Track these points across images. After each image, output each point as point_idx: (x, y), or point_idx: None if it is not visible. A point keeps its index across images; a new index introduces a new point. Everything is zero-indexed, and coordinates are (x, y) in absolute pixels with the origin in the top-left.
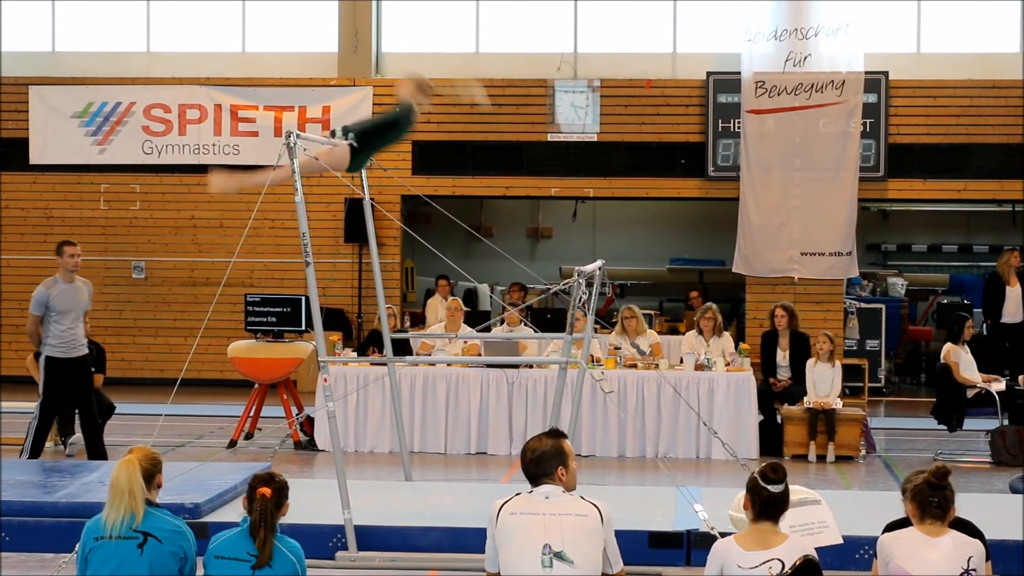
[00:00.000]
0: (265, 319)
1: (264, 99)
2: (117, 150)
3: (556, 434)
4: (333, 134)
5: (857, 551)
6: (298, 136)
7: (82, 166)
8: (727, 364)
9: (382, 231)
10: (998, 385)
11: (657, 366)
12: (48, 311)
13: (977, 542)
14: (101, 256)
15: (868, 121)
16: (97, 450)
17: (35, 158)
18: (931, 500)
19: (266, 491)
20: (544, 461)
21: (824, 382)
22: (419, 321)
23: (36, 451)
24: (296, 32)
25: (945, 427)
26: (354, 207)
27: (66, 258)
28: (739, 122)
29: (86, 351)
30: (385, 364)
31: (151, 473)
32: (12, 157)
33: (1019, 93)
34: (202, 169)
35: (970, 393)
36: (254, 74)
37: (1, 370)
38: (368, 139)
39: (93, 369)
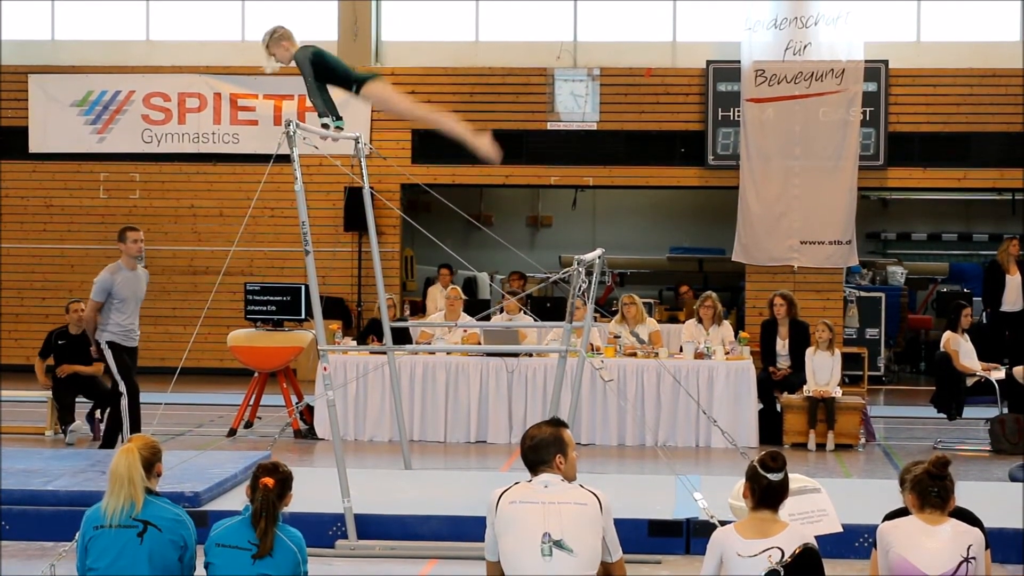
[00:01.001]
0: (265, 308)
1: (264, 88)
2: (117, 139)
3: (556, 423)
4: (325, 127)
5: (857, 539)
6: (297, 125)
7: (82, 155)
8: (727, 353)
9: (382, 220)
10: (997, 373)
11: (657, 355)
12: (110, 298)
13: (977, 531)
14: (100, 245)
15: (868, 110)
16: (113, 437)
17: (35, 147)
18: (931, 490)
19: (269, 481)
20: (542, 448)
21: (824, 371)
22: (419, 310)
23: (136, 429)
24: (296, 21)
25: (945, 415)
26: (354, 196)
27: (129, 244)
28: (739, 111)
29: (137, 344)
30: (385, 353)
31: (151, 462)
32: (12, 146)
33: (1019, 82)
34: (202, 158)
35: (970, 381)
36: (253, 62)
37: (1, 359)
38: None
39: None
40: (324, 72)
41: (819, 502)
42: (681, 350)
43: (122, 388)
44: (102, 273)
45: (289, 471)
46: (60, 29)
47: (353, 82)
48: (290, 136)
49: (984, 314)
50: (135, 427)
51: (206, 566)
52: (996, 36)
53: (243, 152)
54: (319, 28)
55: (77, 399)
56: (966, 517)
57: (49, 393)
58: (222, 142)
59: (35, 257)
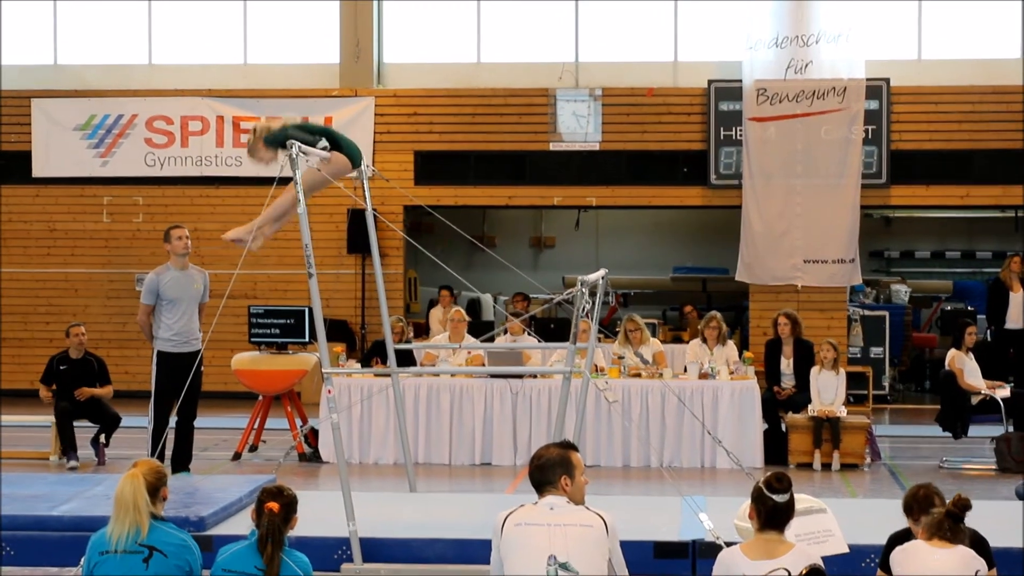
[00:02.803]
0: (269, 331)
1: (266, 110)
2: (119, 162)
3: (566, 445)
4: (326, 148)
5: (863, 559)
6: (300, 148)
7: (85, 179)
8: (731, 373)
9: (385, 242)
10: (1002, 391)
11: (661, 375)
12: (159, 300)
13: (982, 560)
14: (104, 269)
15: (870, 128)
16: (184, 455)
17: (38, 171)
18: (947, 527)
19: (274, 506)
20: (548, 469)
21: (828, 390)
22: (423, 332)
23: (155, 451)
24: (298, 43)
25: (950, 434)
26: (356, 218)
27: (174, 242)
28: (741, 130)
29: (199, 346)
30: (389, 375)
31: (156, 486)
32: (15, 170)
33: (1020, 99)
34: (205, 181)
35: (975, 400)
36: (256, 85)
37: (1, 384)
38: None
39: (98, 383)
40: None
41: (825, 522)
42: (685, 370)
43: (151, 415)
44: (149, 275)
45: (294, 495)
46: (63, 53)
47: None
48: (293, 158)
49: (988, 332)
50: (155, 445)
51: None
52: (997, 53)
53: (246, 175)
54: (321, 51)
55: (77, 423)
56: (972, 537)
57: (53, 418)
58: (225, 165)
59: (39, 281)
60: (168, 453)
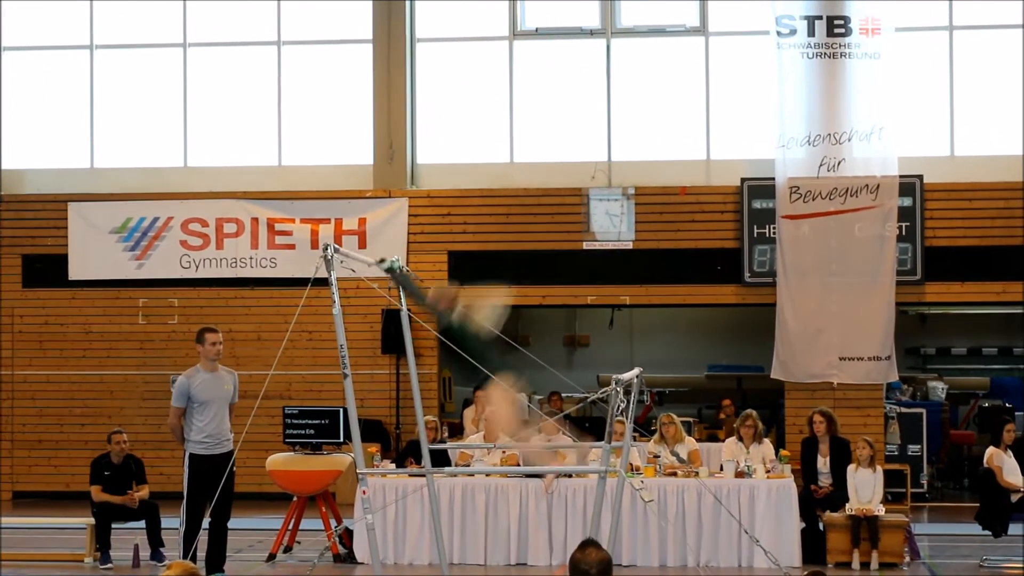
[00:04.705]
0: (303, 431)
1: (300, 212)
2: (155, 265)
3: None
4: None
5: None
6: (335, 249)
7: (120, 281)
8: (767, 471)
9: (419, 342)
10: None
11: (697, 474)
12: (191, 402)
13: None
14: (139, 370)
15: (904, 225)
16: (218, 557)
17: (74, 273)
18: None
19: None
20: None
21: (866, 488)
22: (457, 431)
23: (187, 553)
24: (332, 144)
25: (990, 533)
26: (391, 318)
27: (207, 346)
28: (774, 227)
29: (231, 447)
30: (424, 475)
31: None
32: (52, 273)
33: None
34: (239, 282)
35: (1014, 498)
36: (290, 187)
37: (38, 486)
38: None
39: (134, 482)
40: None
41: None
42: (721, 469)
43: (183, 517)
44: (179, 378)
45: None
46: (99, 157)
47: None
48: (328, 260)
49: None
50: (188, 547)
51: None
52: None
53: (280, 276)
54: (356, 152)
55: (114, 525)
56: None
57: (89, 520)
58: (259, 266)
59: (75, 383)
60: (201, 555)
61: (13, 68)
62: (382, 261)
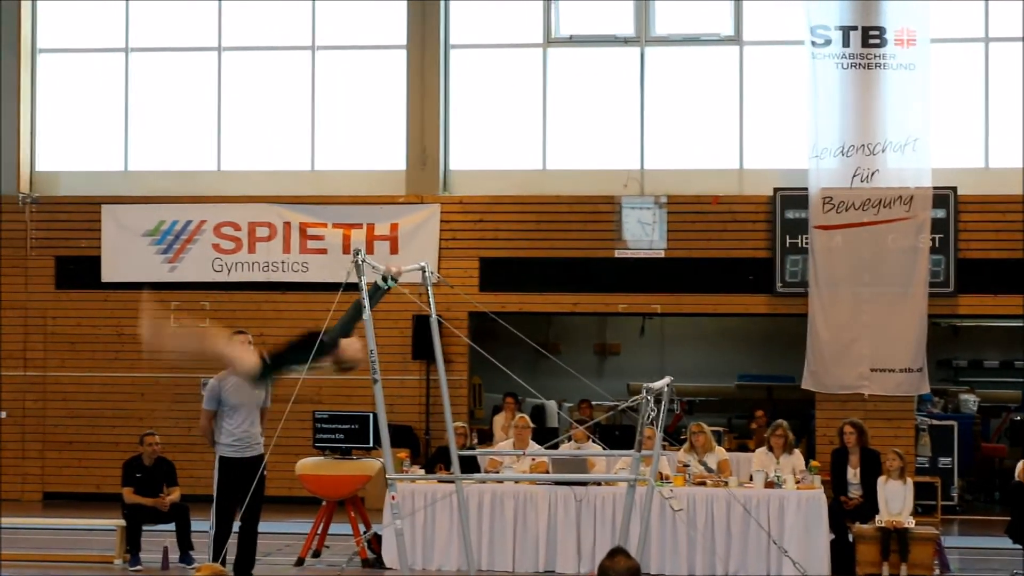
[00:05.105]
0: (333, 436)
1: (333, 216)
2: (187, 268)
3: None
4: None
5: None
6: (364, 257)
7: (153, 284)
8: (797, 482)
9: (449, 348)
10: None
11: (726, 483)
12: (221, 405)
13: None
14: (170, 373)
15: (937, 236)
16: (247, 561)
17: (107, 276)
18: None
19: None
20: None
21: (896, 500)
22: (487, 438)
23: (218, 556)
24: (364, 150)
25: (1020, 546)
26: (421, 324)
27: None
28: (807, 238)
29: (261, 451)
30: (453, 481)
31: None
32: (84, 275)
33: None
34: (271, 287)
35: None
36: (323, 191)
37: (68, 487)
38: (278, 360)
39: (165, 484)
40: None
41: None
42: (751, 479)
43: (213, 520)
44: (211, 381)
45: None
46: (133, 160)
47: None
48: (358, 265)
49: None
50: (218, 551)
51: None
52: None
53: (312, 281)
54: (389, 158)
55: (144, 527)
56: None
57: (120, 521)
58: (291, 270)
59: (106, 386)
60: (230, 558)
61: (48, 70)
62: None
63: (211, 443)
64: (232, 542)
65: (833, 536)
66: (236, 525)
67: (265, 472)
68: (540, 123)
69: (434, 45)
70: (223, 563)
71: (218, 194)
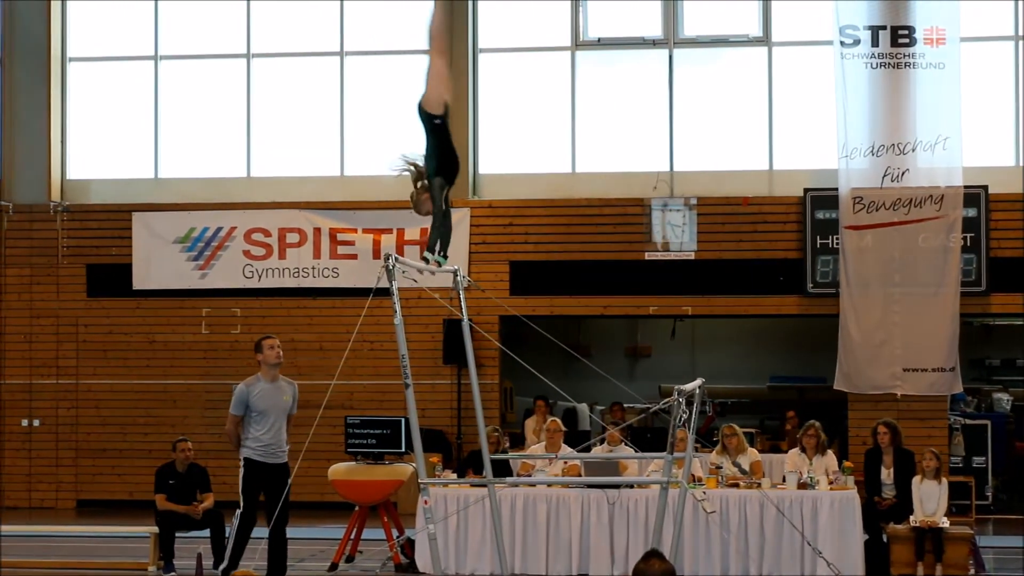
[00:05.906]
0: (365, 441)
1: (363, 222)
2: (218, 275)
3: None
4: (426, 260)
5: None
6: (396, 259)
7: (184, 291)
8: (831, 482)
9: (480, 352)
10: None
11: (759, 485)
12: (248, 411)
13: None
14: (202, 380)
15: (968, 236)
16: (279, 566)
17: (138, 283)
18: None
19: None
20: None
21: (930, 500)
22: (519, 442)
23: (235, 562)
24: (394, 154)
25: None
26: (452, 328)
27: (267, 351)
28: (837, 238)
29: (286, 458)
30: (485, 485)
31: None
32: (116, 282)
33: None
34: (301, 292)
35: None
36: (352, 197)
37: (98, 495)
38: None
39: (198, 491)
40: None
41: None
42: (784, 480)
43: (235, 523)
44: (239, 386)
45: None
46: (163, 167)
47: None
48: (389, 270)
49: None
50: (236, 556)
51: None
52: None
53: (342, 286)
54: None
55: (178, 534)
56: None
57: (153, 528)
58: (322, 276)
59: (138, 393)
60: (249, 563)
61: (78, 79)
62: (425, 260)
63: (235, 447)
64: (258, 547)
65: (867, 537)
66: (263, 531)
67: (290, 479)
68: (569, 126)
69: (462, 49)
70: (234, 566)
71: (248, 201)
